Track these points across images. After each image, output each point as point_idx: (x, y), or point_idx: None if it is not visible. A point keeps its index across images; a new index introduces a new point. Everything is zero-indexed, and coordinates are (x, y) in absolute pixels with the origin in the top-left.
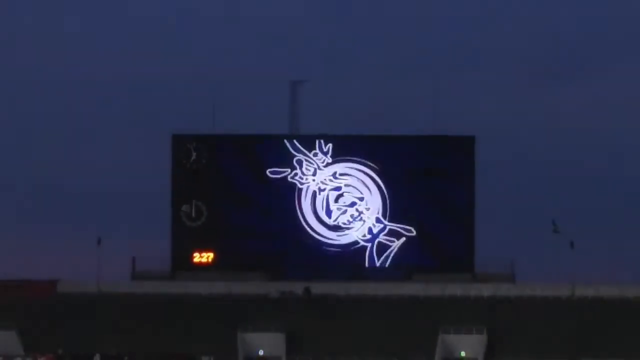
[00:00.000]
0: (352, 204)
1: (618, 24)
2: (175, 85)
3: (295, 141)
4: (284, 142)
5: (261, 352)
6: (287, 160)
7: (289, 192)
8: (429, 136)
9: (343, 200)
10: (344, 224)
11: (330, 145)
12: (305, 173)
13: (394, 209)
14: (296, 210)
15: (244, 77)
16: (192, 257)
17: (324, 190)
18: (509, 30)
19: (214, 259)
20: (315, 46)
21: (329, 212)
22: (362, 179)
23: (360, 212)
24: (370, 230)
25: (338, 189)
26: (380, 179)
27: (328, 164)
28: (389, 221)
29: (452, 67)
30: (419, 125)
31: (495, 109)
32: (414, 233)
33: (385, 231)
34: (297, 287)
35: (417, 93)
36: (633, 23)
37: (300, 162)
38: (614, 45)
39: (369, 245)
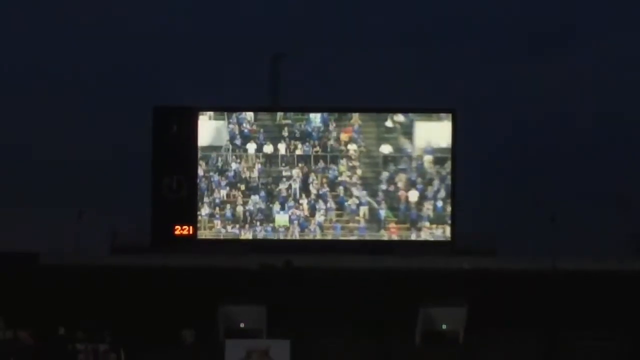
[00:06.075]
0: (333, 177)
1: None
2: (157, 55)
3: (278, 114)
4: (267, 115)
5: (242, 325)
6: (270, 133)
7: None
8: (409, 108)
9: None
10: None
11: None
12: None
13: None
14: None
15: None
16: (173, 230)
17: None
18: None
19: (194, 232)
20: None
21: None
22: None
23: (345, 187)
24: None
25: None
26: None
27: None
28: (370, 194)
29: (434, 39)
30: (400, 98)
31: (476, 82)
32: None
33: (366, 205)
34: (278, 260)
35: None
36: None
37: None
38: (598, 16)
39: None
